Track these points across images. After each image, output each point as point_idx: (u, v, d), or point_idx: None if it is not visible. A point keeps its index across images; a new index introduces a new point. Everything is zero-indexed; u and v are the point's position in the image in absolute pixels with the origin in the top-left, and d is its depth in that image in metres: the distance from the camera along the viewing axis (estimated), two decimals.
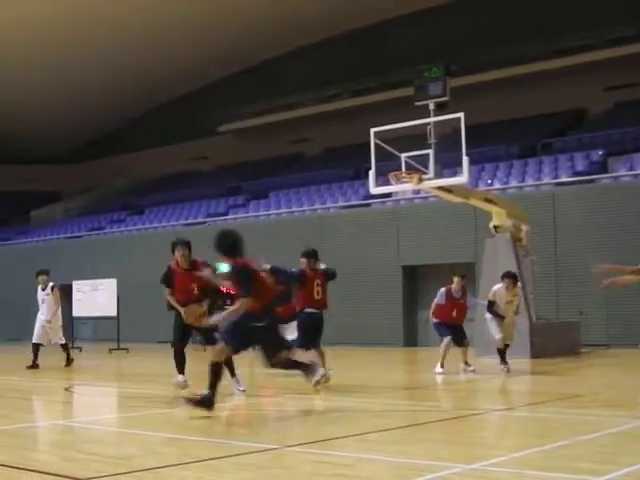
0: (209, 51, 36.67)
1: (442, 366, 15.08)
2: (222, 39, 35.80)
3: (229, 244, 9.87)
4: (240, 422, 10.12)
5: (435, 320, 15.45)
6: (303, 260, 13.44)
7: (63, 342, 18.46)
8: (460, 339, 15.26)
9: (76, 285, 26.95)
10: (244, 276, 9.71)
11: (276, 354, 9.93)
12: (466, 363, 15.12)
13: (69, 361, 18.27)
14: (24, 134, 42.19)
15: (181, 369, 11.89)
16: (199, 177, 39.39)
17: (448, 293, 15.31)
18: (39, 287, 18.58)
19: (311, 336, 13.15)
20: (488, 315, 15.22)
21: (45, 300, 18.41)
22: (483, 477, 6.25)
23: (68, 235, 36.37)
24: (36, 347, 18.10)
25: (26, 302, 23.18)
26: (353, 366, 18.41)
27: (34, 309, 18.73)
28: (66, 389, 14.03)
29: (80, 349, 25.41)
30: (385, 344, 23.63)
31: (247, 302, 9.57)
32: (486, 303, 15.35)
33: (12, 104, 39.63)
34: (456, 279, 15.36)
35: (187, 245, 11.95)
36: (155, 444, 8.16)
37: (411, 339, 24.20)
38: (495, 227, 19.05)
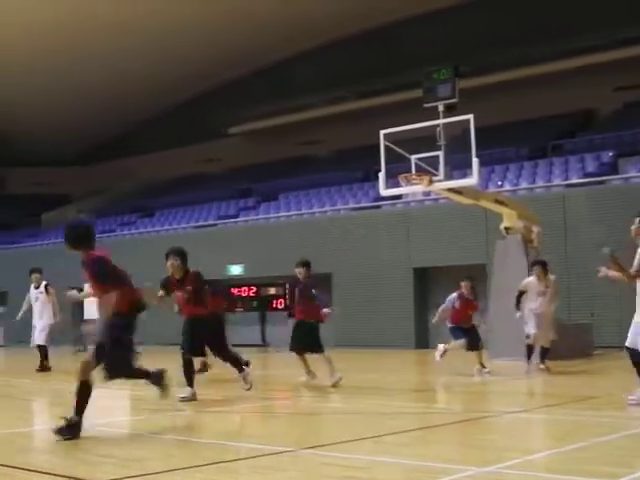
0: (217, 53, 36.68)
1: (442, 355, 15.06)
2: (230, 41, 35.79)
3: (78, 235, 8.87)
4: (253, 424, 10.11)
5: (451, 325, 15.42)
6: (301, 270, 13.54)
7: (42, 344, 18.03)
8: (475, 343, 15.19)
9: (87, 288, 26.93)
10: (99, 267, 8.74)
11: (118, 364, 8.92)
12: (482, 365, 15.04)
13: (42, 366, 17.74)
14: (35, 137, 42.30)
15: (191, 382, 11.63)
16: (209, 179, 39.40)
17: (461, 296, 15.26)
18: (32, 286, 18.58)
19: (310, 342, 13.40)
20: (526, 310, 15.03)
21: (39, 298, 18.42)
22: None
23: None
24: (43, 349, 18.02)
25: None
26: (365, 368, 18.38)
27: None
28: None
29: None
30: (396, 346, 23.59)
31: (114, 295, 8.71)
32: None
33: (22, 108, 39.77)
34: (464, 283, 15.32)
35: (179, 255, 11.68)
36: (168, 446, 8.14)
37: (423, 341, 24.15)
38: (506, 229, 18.99)
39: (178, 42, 35.79)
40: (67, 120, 41.09)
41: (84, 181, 45.05)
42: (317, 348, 13.44)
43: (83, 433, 8.36)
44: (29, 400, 13.53)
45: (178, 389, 11.57)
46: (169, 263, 11.66)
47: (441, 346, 15.33)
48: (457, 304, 15.23)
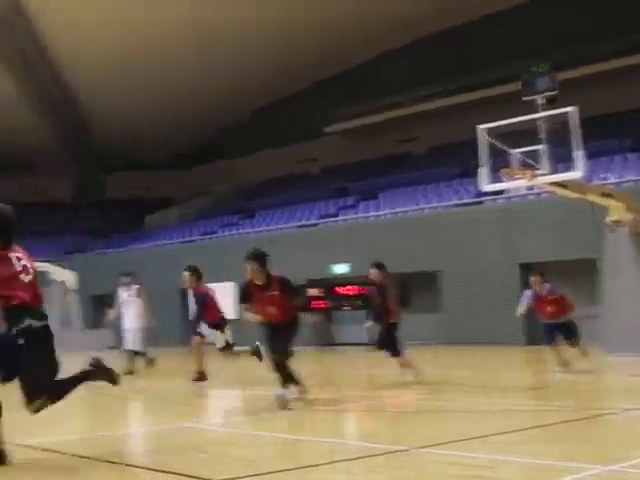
0: (309, 53, 37.03)
1: (559, 365, 14.67)
2: (321, 41, 36.15)
3: None
4: (362, 423, 10.07)
5: (544, 322, 15.14)
6: (375, 271, 13.49)
7: (139, 349, 17.87)
8: (569, 338, 14.77)
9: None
10: None
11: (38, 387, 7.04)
12: (585, 358, 14.61)
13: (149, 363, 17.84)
14: (136, 142, 43.17)
15: (295, 381, 11.25)
16: (307, 179, 39.58)
17: (534, 294, 14.95)
18: (122, 289, 18.35)
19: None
20: None
21: (129, 303, 18.19)
22: (623, 479, 6.02)
23: (180, 240, 36.91)
24: (139, 354, 17.86)
25: None
26: (472, 366, 18.20)
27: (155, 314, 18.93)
28: (192, 392, 14.24)
29: None
30: (503, 343, 23.17)
31: None
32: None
33: (124, 113, 40.63)
34: (533, 279, 15.01)
35: (258, 259, 10.80)
36: (281, 446, 8.18)
37: (533, 338, 23.55)
38: (615, 222, 18.53)
39: (272, 43, 36.31)
40: (165, 124, 41.85)
41: (185, 184, 45.75)
42: (390, 349, 13.56)
43: (198, 432, 8.42)
44: (146, 401, 13.74)
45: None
46: (248, 268, 10.80)
47: (557, 368, 14.87)
48: (532, 303, 14.94)
